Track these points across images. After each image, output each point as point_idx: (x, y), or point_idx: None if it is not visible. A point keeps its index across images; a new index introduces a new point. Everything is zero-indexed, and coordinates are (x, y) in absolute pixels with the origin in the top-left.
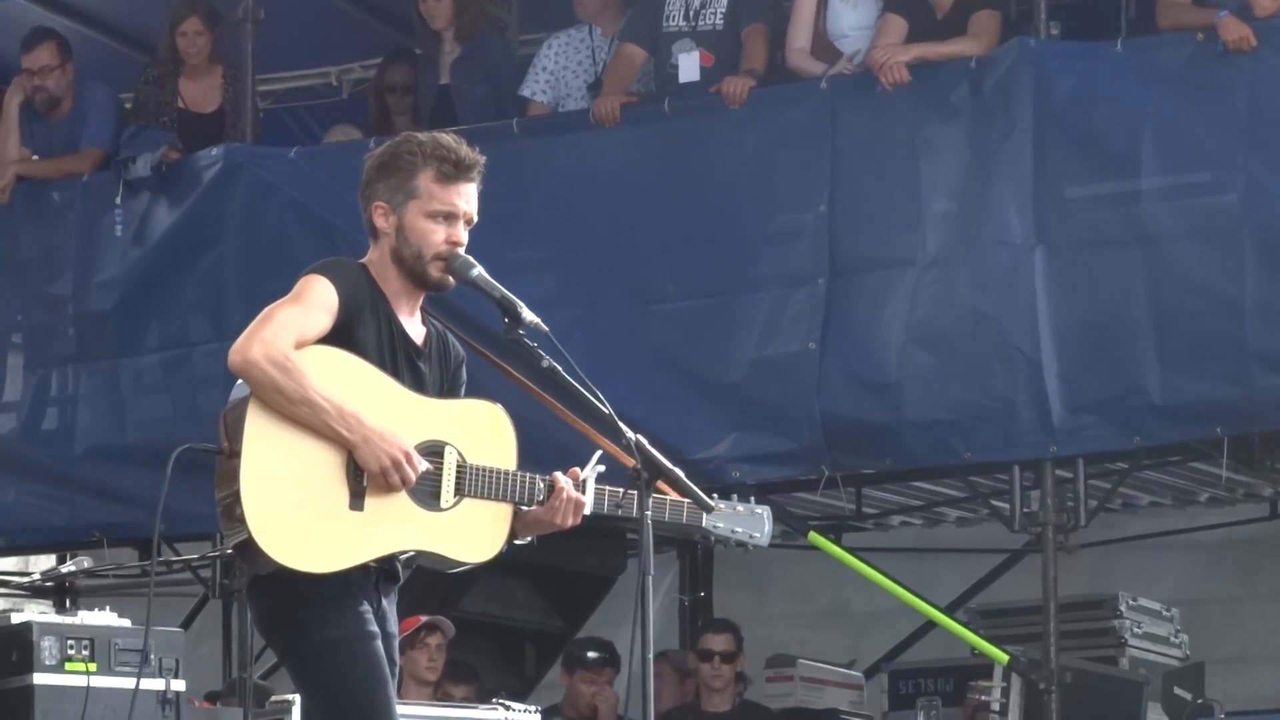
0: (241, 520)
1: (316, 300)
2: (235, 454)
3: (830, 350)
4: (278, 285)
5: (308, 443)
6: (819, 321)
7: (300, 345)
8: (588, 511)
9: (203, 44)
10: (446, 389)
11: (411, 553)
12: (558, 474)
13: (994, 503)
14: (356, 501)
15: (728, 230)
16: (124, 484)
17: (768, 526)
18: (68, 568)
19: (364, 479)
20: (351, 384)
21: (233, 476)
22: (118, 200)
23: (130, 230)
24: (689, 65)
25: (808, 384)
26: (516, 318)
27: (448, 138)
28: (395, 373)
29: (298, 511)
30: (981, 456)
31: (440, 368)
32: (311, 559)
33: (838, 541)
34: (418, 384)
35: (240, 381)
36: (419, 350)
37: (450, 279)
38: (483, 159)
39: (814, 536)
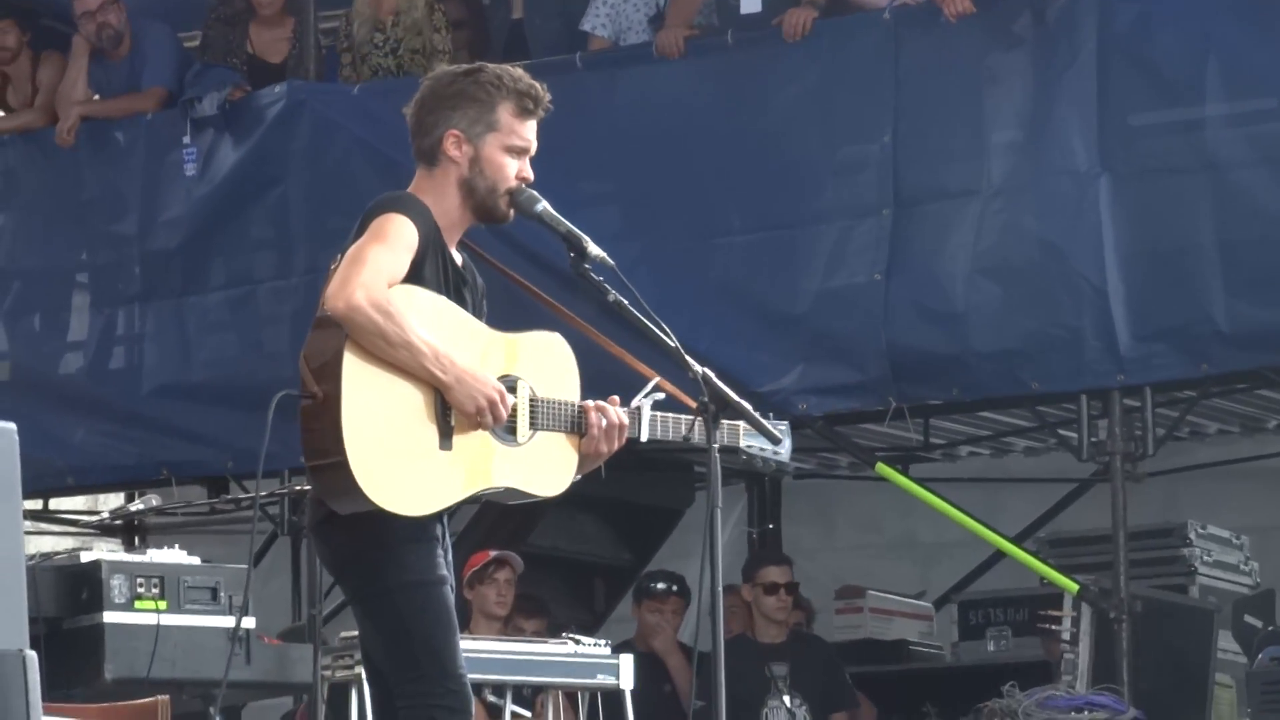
0: (339, 464)
1: (401, 240)
2: (328, 397)
3: (896, 281)
4: (342, 222)
5: (400, 384)
6: (884, 253)
7: (390, 287)
8: (644, 438)
9: None
10: (478, 316)
11: (498, 490)
12: (588, 402)
13: (1062, 432)
14: (445, 442)
15: (792, 162)
16: (191, 422)
17: (788, 442)
18: (136, 506)
19: (451, 418)
20: (434, 321)
21: (331, 420)
22: (186, 139)
23: (197, 169)
24: None
25: (874, 315)
26: (582, 252)
27: (520, 71)
28: None
29: (395, 454)
30: (1049, 386)
31: (473, 294)
32: (410, 502)
33: (905, 473)
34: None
35: (317, 326)
36: (464, 280)
37: (512, 212)
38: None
39: (882, 468)
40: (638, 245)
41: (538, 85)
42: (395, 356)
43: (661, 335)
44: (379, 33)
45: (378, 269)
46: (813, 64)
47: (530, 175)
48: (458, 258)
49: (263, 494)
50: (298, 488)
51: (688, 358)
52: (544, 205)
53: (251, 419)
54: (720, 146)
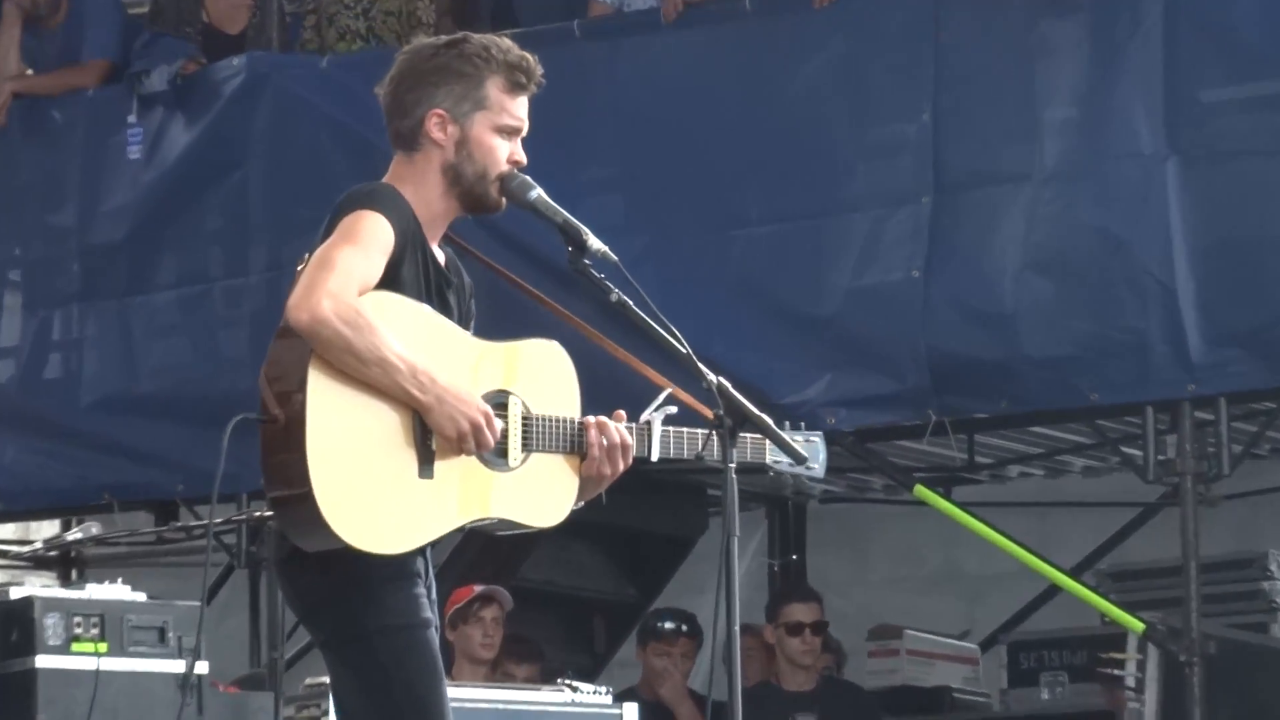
0: (303, 496)
1: (375, 242)
2: (291, 420)
3: (936, 278)
4: (309, 212)
5: (373, 404)
6: (923, 246)
7: (361, 294)
8: (654, 457)
9: None
10: (464, 320)
11: (488, 521)
12: (589, 418)
13: (1124, 450)
14: (426, 469)
15: (818, 144)
16: (137, 439)
17: (822, 455)
18: (74, 534)
19: (432, 442)
20: (412, 333)
21: (294, 447)
22: (131, 118)
23: (144, 152)
24: None
25: (911, 317)
26: (581, 246)
27: (508, 42)
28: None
29: (369, 486)
30: (1110, 397)
31: (459, 296)
32: (385, 539)
33: (948, 496)
34: (446, 318)
35: (279, 335)
36: (448, 280)
37: (503, 201)
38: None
39: (921, 490)
40: (644, 238)
41: (529, 57)
42: (367, 374)
43: (671, 340)
44: None
45: (347, 275)
46: (842, 32)
47: (523, 158)
48: (440, 256)
49: (217, 521)
50: (257, 514)
51: (700, 365)
52: (538, 193)
53: (205, 436)
54: (737, 126)
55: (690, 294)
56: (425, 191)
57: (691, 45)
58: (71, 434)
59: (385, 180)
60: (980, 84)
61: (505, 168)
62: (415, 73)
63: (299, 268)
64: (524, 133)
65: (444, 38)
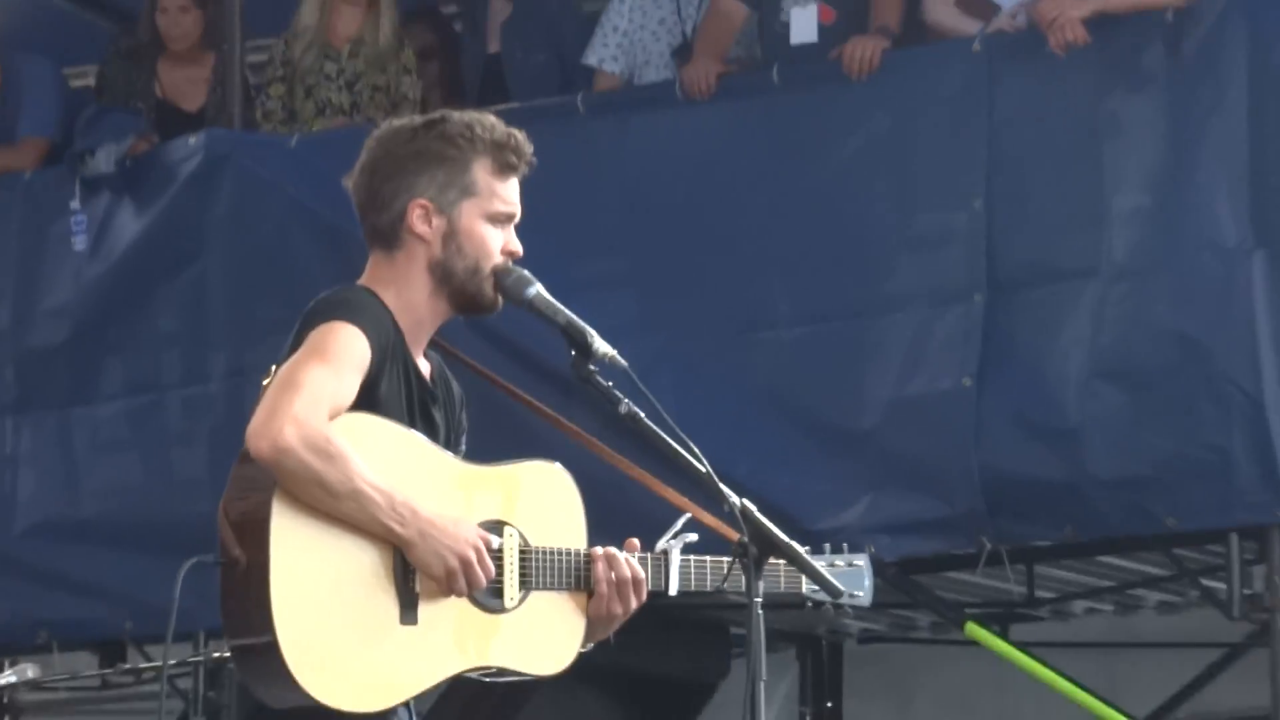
0: (267, 646)
1: (349, 358)
2: (253, 561)
3: (991, 387)
4: (275, 312)
5: (346, 542)
6: (975, 350)
7: (333, 418)
8: (672, 590)
9: (189, 24)
10: (453, 438)
11: (483, 671)
12: (597, 548)
13: (1206, 583)
14: (408, 613)
15: (856, 234)
16: (79, 570)
17: (868, 582)
18: (7, 678)
19: (415, 582)
20: (393, 460)
21: (256, 591)
22: (74, 203)
23: (88, 243)
24: (804, 22)
25: (962, 431)
26: (586, 350)
27: (492, 118)
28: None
29: (341, 634)
30: (1189, 523)
31: (446, 411)
32: (361, 695)
33: (1004, 635)
34: (431, 438)
35: (240, 462)
36: (433, 395)
37: (499, 299)
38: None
39: (973, 629)
40: (658, 340)
41: (517, 133)
42: (339, 508)
43: (688, 457)
44: (330, 61)
45: (315, 397)
46: (882, 107)
47: (519, 249)
48: (426, 366)
49: (171, 663)
50: (216, 655)
51: (722, 486)
52: (538, 289)
53: (157, 567)
54: (764, 214)
55: (711, 404)
56: (409, 294)
57: (712, 122)
58: (4, 563)
59: (362, 282)
60: (1040, 167)
61: (500, 260)
62: (392, 160)
63: (264, 382)
64: (517, 219)
65: (420, 118)
